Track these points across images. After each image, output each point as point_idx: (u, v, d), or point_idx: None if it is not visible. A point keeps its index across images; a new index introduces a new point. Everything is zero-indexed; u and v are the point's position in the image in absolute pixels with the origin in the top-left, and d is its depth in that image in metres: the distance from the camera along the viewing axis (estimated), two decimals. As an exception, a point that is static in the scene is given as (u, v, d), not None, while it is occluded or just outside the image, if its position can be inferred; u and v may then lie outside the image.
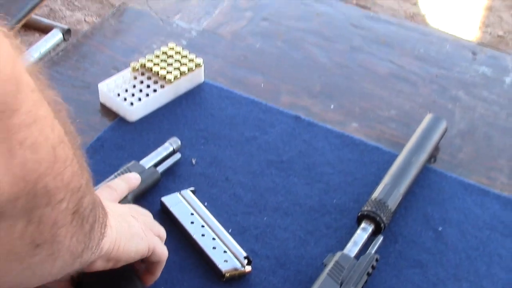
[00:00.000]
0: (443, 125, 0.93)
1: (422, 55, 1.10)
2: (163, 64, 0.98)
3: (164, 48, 1.01)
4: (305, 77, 1.04)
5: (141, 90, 0.95)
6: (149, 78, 0.97)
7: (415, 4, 2.67)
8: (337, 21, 1.16)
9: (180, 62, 0.99)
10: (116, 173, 0.83)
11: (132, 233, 0.68)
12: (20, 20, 1.57)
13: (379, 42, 1.12)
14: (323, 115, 0.98)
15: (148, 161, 0.86)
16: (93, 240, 0.59)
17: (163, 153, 0.87)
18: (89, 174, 0.57)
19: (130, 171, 0.83)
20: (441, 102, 1.01)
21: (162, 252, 0.72)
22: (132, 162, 0.84)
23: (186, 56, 1.00)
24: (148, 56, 0.99)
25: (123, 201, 0.78)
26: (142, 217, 0.73)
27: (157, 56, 0.99)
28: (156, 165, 0.86)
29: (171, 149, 0.88)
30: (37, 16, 2.33)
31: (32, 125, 0.46)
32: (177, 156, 0.88)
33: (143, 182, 0.83)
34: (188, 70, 0.98)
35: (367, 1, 2.67)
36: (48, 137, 0.47)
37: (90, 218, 0.57)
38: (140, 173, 0.83)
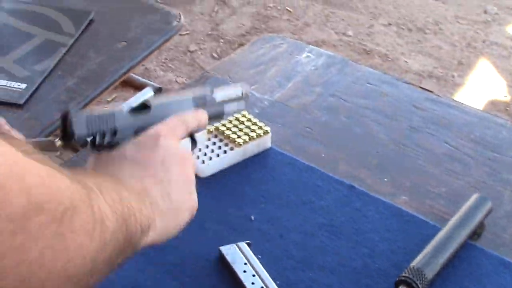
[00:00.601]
0: (488, 205, 0.99)
1: (478, 138, 1.17)
2: (234, 129, 1.10)
3: (237, 115, 1.13)
4: (363, 151, 1.13)
5: (212, 151, 1.07)
6: (221, 140, 1.09)
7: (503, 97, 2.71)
8: (399, 101, 1.25)
9: (250, 128, 1.10)
10: (194, 94, 0.84)
11: (176, 207, 0.73)
12: (119, 77, 1.72)
13: (438, 123, 1.20)
14: (376, 187, 1.06)
15: (220, 96, 0.87)
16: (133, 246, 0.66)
17: (234, 93, 0.89)
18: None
19: (206, 100, 0.85)
20: (491, 184, 1.08)
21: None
22: (210, 90, 0.86)
23: (256, 124, 1.11)
24: (222, 121, 1.11)
25: None
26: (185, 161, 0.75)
27: (230, 122, 1.11)
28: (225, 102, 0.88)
29: (240, 90, 0.90)
30: (133, 74, 2.53)
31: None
32: (243, 104, 0.90)
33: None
34: (257, 136, 1.09)
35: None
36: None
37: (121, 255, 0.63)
38: (210, 105, 0.85)
